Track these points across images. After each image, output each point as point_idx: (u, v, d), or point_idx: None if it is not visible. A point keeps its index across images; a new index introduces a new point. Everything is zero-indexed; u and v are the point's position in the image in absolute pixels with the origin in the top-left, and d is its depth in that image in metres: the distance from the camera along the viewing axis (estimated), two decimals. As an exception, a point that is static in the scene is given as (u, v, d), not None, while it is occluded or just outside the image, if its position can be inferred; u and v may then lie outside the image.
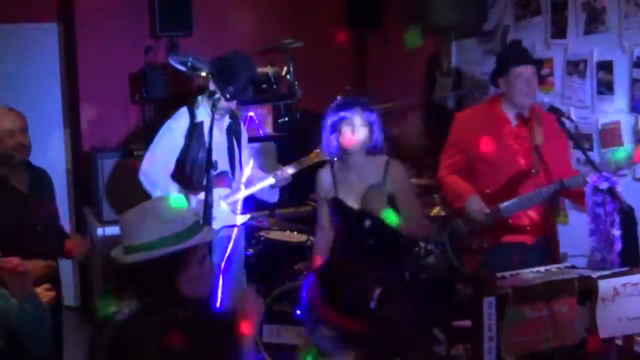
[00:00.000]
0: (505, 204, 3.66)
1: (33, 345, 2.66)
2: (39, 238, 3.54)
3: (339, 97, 3.74)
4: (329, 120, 3.61)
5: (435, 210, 4.54)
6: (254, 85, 4.47)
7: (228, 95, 3.97)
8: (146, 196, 4.05)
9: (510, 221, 3.71)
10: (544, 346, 2.86)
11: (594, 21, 4.31)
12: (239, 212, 4.16)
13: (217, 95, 3.95)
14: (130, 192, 4.11)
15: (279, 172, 4.07)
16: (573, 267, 3.24)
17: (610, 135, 4.23)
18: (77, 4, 5.64)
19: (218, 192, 3.99)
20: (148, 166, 4.12)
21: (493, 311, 2.71)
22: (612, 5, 4.18)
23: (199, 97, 4.17)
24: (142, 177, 4.12)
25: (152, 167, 4.11)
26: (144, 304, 2.20)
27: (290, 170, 4.06)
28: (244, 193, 4.14)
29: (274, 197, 4.27)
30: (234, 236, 4.17)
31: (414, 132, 5.69)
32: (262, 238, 4.66)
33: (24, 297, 2.60)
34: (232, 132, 4.21)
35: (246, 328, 2.29)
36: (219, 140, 4.07)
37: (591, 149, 4.26)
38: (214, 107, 3.89)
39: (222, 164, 4.04)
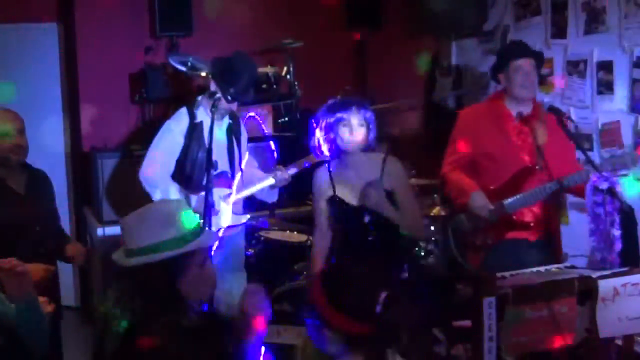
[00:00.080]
0: (509, 200, 3.65)
1: (32, 345, 2.66)
2: (37, 238, 3.54)
3: (330, 99, 3.70)
4: (323, 122, 3.57)
5: (436, 210, 4.54)
6: (255, 86, 4.46)
7: (229, 97, 3.97)
8: (146, 196, 4.05)
9: (514, 217, 3.71)
10: (544, 346, 2.86)
11: (594, 21, 4.31)
12: (238, 211, 4.16)
13: (218, 96, 3.95)
14: (130, 193, 4.12)
15: (278, 173, 4.07)
16: (573, 267, 3.24)
17: (610, 135, 4.23)
18: (77, 4, 5.64)
19: (218, 192, 3.99)
20: (148, 166, 4.11)
21: (493, 311, 2.71)
22: (612, 5, 4.18)
23: (199, 97, 4.17)
24: (142, 178, 4.11)
25: (152, 167, 4.10)
26: (146, 309, 2.19)
27: (290, 171, 4.06)
28: (244, 193, 4.14)
29: (273, 197, 4.26)
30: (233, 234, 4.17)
31: (413, 132, 5.70)
32: (262, 238, 4.65)
33: (22, 298, 2.59)
34: (232, 132, 4.21)
35: (259, 326, 2.30)
36: (219, 140, 4.07)
37: (591, 149, 4.27)
38: (214, 108, 3.88)
39: (222, 164, 4.04)
